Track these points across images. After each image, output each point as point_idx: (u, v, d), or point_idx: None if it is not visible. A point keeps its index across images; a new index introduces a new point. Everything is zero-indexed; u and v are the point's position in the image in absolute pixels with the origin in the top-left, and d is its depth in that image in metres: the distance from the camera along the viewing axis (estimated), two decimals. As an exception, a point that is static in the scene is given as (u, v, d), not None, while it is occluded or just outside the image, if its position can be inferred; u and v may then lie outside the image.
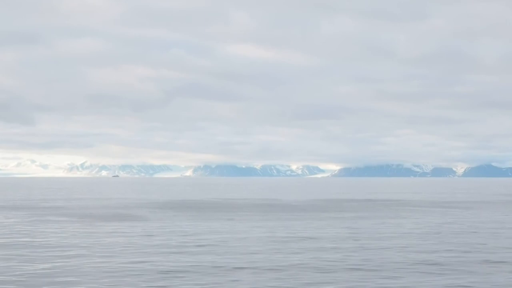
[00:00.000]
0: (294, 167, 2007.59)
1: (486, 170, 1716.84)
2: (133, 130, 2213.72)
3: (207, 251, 38.91)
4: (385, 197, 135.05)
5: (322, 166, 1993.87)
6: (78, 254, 37.17)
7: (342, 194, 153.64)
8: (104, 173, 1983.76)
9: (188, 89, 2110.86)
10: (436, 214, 76.20)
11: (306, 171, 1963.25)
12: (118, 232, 50.97)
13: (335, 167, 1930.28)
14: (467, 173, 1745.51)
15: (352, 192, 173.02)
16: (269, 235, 49.04)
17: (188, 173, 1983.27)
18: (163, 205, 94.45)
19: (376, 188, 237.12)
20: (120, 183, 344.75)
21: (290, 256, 36.62)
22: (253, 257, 36.29)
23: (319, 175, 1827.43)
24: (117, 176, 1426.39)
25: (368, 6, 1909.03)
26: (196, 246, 41.39)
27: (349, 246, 41.58)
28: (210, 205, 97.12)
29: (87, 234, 49.19)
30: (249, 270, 31.77)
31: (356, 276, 30.29)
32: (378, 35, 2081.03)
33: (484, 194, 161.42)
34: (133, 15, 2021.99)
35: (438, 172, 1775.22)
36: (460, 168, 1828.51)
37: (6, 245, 41.81)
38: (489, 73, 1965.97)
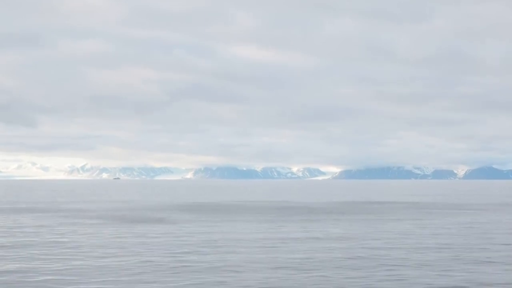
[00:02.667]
0: (294, 169, 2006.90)
1: (487, 172, 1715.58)
2: (134, 132, 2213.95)
3: (266, 251, 39.80)
4: (401, 199, 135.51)
5: (323, 168, 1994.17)
6: (140, 253, 38.34)
7: (355, 197, 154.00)
8: (104, 175, 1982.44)
9: (190, 90, 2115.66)
10: (465, 215, 76.90)
11: (307, 174, 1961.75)
12: (163, 233, 51.85)
13: (336, 170, 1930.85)
14: (468, 175, 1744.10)
15: (363, 195, 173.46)
16: (316, 235, 49.89)
17: (189, 175, 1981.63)
18: (185, 207, 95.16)
19: (384, 190, 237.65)
20: (125, 186, 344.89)
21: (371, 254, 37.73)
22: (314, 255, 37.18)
23: (320, 178, 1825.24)
24: (118, 178, 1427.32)
25: (369, 7, 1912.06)
26: (249, 247, 42.27)
27: (426, 246, 43.33)
28: (231, 207, 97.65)
29: (135, 235, 50.09)
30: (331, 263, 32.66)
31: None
32: (379, 36, 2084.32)
33: (496, 196, 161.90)
34: (135, 16, 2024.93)
35: (439, 174, 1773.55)
36: (461, 170, 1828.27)
37: (63, 245, 42.65)
38: (490, 74, 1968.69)
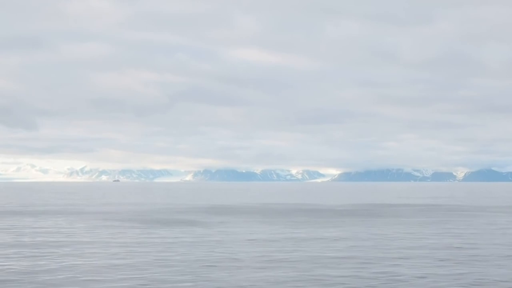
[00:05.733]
0: (294, 171, 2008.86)
1: (486, 174, 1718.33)
2: (135, 135, 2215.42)
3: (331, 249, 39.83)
4: (417, 202, 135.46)
5: (322, 170, 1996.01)
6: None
7: (368, 199, 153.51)
8: (104, 177, 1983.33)
9: (192, 93, 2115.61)
10: (497, 217, 76.80)
11: (306, 176, 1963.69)
12: (213, 233, 51.86)
13: (335, 172, 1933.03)
14: (467, 178, 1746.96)
15: (374, 197, 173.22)
16: (371, 235, 49.89)
17: (188, 177, 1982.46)
18: (210, 210, 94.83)
19: (392, 193, 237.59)
20: (129, 188, 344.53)
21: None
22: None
23: (319, 180, 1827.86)
24: (117, 180, 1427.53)
25: (372, 10, 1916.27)
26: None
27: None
28: (254, 209, 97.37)
29: (185, 236, 50.05)
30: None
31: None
32: (383, 39, 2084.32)
33: (506, 198, 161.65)
34: (138, 20, 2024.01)
35: (438, 176, 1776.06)
36: (460, 173, 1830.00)
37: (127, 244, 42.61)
38: (493, 77, 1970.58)
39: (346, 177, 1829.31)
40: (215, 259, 36.98)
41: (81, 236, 50.83)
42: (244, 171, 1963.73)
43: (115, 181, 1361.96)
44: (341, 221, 70.07)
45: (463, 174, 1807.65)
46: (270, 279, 30.39)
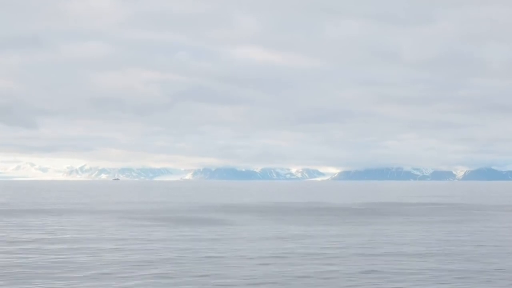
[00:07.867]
0: (293, 170, 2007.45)
1: (485, 173, 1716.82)
2: (135, 134, 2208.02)
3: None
4: (430, 201, 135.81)
5: (321, 169, 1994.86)
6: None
7: (378, 198, 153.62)
8: (103, 176, 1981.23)
9: (192, 93, 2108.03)
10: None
11: (306, 175, 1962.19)
12: (253, 231, 52.36)
13: (334, 171, 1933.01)
14: (467, 177, 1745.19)
15: (382, 195, 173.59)
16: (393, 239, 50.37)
17: (188, 176, 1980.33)
18: (225, 209, 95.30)
19: (396, 191, 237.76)
20: (133, 187, 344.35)
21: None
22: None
23: (319, 179, 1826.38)
24: (117, 179, 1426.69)
25: (372, 10, 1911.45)
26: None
27: None
28: (274, 209, 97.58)
29: (219, 235, 50.60)
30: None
31: None
32: (383, 39, 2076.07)
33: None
34: (138, 19, 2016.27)
35: (438, 175, 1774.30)
36: (460, 172, 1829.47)
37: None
38: (493, 77, 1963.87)
39: (346, 175, 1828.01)
40: (265, 255, 37.83)
41: (117, 233, 51.38)
42: (243, 169, 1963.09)
43: (114, 179, 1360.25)
44: (365, 219, 70.66)
45: (462, 173, 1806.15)
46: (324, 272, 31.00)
